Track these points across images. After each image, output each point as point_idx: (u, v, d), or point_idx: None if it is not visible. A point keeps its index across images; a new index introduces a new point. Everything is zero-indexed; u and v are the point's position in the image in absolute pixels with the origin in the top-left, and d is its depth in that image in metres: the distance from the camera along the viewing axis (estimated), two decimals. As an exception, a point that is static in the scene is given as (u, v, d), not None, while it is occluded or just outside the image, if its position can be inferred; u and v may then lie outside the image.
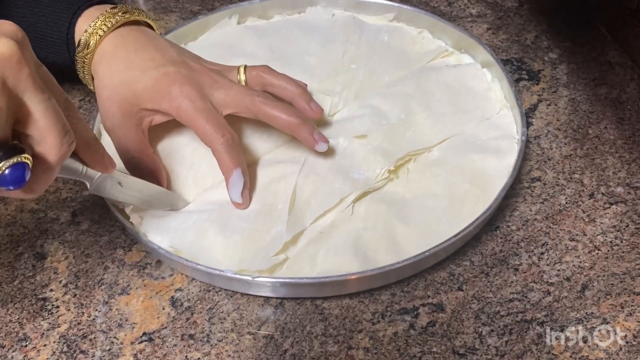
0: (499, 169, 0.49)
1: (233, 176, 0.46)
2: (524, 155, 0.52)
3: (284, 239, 0.45)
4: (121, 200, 0.45)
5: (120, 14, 0.47)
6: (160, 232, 0.46)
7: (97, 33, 0.46)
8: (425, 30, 0.62)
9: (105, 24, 0.46)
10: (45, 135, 0.31)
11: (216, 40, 0.62)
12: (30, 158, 0.30)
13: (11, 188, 0.30)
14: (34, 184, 0.31)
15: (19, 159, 0.30)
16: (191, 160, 0.50)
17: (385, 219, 0.47)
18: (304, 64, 0.58)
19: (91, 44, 0.46)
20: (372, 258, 0.44)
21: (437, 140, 0.52)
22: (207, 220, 0.46)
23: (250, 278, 0.42)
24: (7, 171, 0.30)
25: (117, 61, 0.47)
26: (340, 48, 0.59)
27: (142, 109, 0.46)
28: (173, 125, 0.50)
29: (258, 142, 0.51)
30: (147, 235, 0.46)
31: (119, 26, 0.47)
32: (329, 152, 0.50)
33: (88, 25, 0.47)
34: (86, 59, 0.47)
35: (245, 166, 0.47)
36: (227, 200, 0.47)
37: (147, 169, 0.47)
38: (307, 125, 0.47)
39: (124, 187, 0.43)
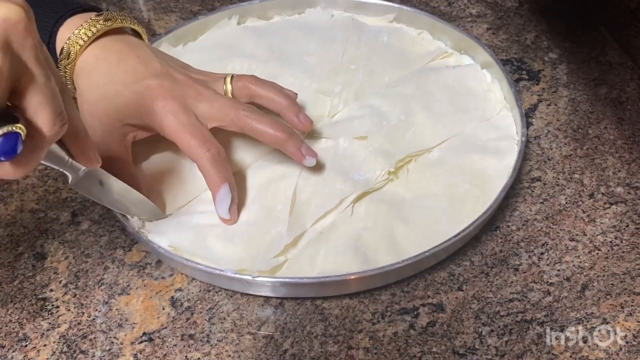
0: (499, 169, 0.49)
1: (220, 192, 0.45)
2: (524, 156, 0.52)
3: (284, 241, 0.45)
4: (98, 200, 0.44)
5: (102, 21, 0.45)
6: (160, 233, 0.46)
7: (77, 42, 0.45)
8: (425, 31, 0.62)
9: (86, 33, 0.45)
10: (41, 110, 0.30)
11: (216, 40, 0.62)
12: (24, 129, 0.29)
13: (1, 159, 0.29)
14: (23, 158, 0.30)
15: (13, 128, 0.29)
16: (191, 161, 0.50)
17: (385, 219, 0.47)
18: (304, 64, 0.58)
19: (72, 53, 0.45)
20: (372, 258, 0.44)
21: (437, 141, 0.52)
22: (208, 222, 0.46)
23: (250, 278, 0.42)
24: None
25: (98, 74, 0.45)
26: (340, 48, 0.59)
27: (125, 124, 0.45)
28: None
29: (257, 143, 0.51)
30: (148, 234, 0.46)
31: (102, 35, 0.46)
32: (330, 153, 0.50)
33: (71, 33, 0.45)
34: (67, 69, 0.45)
35: (233, 180, 0.46)
36: None
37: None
38: (295, 140, 0.46)
39: (104, 188, 0.43)
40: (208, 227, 0.46)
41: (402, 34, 0.62)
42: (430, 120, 0.53)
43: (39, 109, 0.30)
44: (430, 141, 0.52)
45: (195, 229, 0.46)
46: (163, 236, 0.46)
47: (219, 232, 0.46)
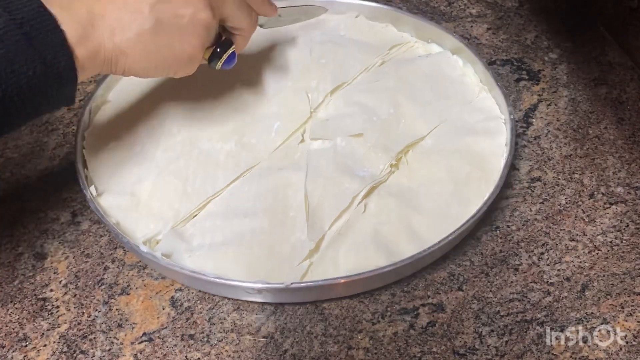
0: (493, 149, 0.51)
1: None
2: (524, 155, 0.52)
3: (307, 247, 0.44)
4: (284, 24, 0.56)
5: None
6: (181, 256, 0.45)
7: None
8: (389, 24, 0.63)
9: None
10: (241, 24, 0.46)
11: None
12: (234, 45, 0.47)
13: (227, 68, 0.47)
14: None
15: (232, 49, 0.46)
16: (186, 173, 0.49)
17: (398, 210, 0.47)
18: (274, 67, 0.58)
19: None
20: (394, 250, 0.44)
21: (428, 128, 0.53)
22: (221, 238, 0.45)
23: (260, 285, 0.41)
24: (226, 58, 0.46)
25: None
26: (306, 47, 0.60)
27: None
28: (164, 136, 0.51)
29: (253, 147, 0.51)
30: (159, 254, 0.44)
31: None
32: (330, 154, 0.51)
33: None
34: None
35: None
36: (234, 211, 0.47)
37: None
38: None
39: (282, 17, 0.54)
40: (226, 248, 0.45)
41: (362, 25, 0.63)
42: (418, 109, 0.54)
43: (239, 26, 0.46)
44: (423, 130, 0.53)
45: (213, 250, 0.45)
46: (183, 260, 0.44)
47: (238, 251, 0.45)
